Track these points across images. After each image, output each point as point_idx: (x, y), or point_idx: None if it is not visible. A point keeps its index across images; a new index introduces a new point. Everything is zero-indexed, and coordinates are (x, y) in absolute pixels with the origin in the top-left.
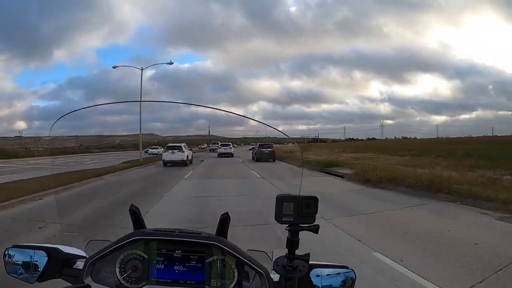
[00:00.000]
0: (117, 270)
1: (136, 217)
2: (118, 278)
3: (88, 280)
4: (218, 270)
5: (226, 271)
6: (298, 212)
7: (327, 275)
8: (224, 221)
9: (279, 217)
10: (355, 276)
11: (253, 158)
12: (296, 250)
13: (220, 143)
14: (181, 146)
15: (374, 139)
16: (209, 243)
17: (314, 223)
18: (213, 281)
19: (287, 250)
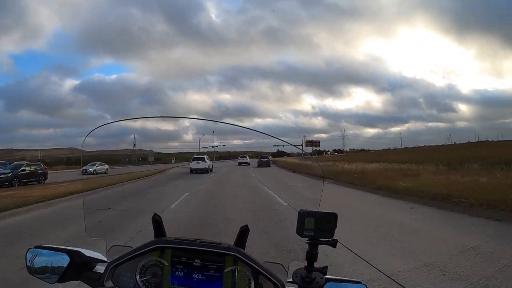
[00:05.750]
0: (138, 275)
1: (158, 225)
2: (138, 284)
3: (109, 284)
4: (235, 280)
5: (243, 281)
6: (319, 227)
7: None
8: (244, 233)
9: (300, 231)
10: None
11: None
12: (314, 263)
13: (240, 156)
14: (203, 157)
15: (339, 150)
16: (228, 254)
17: (333, 238)
18: None
19: (305, 262)
